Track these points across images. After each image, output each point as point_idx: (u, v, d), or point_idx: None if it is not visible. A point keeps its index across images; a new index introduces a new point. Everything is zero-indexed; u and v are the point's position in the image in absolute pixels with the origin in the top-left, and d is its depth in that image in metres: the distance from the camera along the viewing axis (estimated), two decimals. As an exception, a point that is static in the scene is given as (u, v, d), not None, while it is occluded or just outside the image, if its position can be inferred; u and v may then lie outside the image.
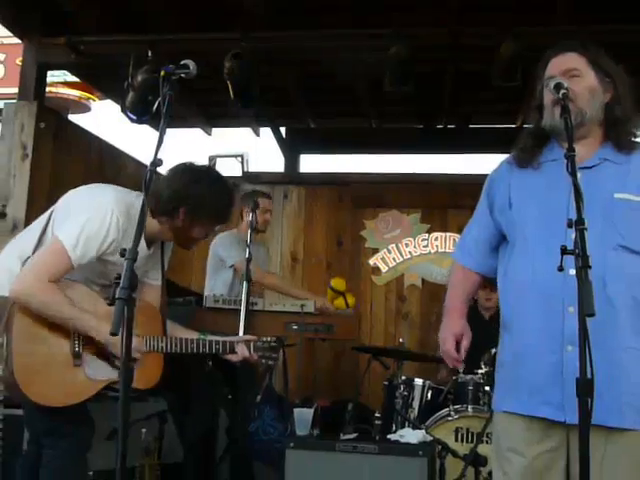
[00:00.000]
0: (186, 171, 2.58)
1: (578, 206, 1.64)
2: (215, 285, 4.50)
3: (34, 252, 2.52)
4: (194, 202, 2.54)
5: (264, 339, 2.84)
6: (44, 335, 2.44)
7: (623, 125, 1.99)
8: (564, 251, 1.64)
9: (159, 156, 1.84)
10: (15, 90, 5.14)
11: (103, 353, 2.54)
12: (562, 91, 1.83)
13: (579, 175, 1.84)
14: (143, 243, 2.51)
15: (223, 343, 2.74)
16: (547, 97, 2.02)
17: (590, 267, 1.56)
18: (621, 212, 1.89)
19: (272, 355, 2.83)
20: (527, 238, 2.00)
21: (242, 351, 2.75)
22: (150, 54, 4.52)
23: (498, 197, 2.12)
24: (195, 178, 2.57)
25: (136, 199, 2.54)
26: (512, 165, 2.11)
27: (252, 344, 2.79)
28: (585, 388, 1.56)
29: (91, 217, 2.46)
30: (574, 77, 1.97)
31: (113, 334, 1.61)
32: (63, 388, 2.46)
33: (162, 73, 1.96)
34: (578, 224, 1.61)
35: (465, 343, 2.22)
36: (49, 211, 2.64)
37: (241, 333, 3.28)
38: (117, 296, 1.64)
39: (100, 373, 2.53)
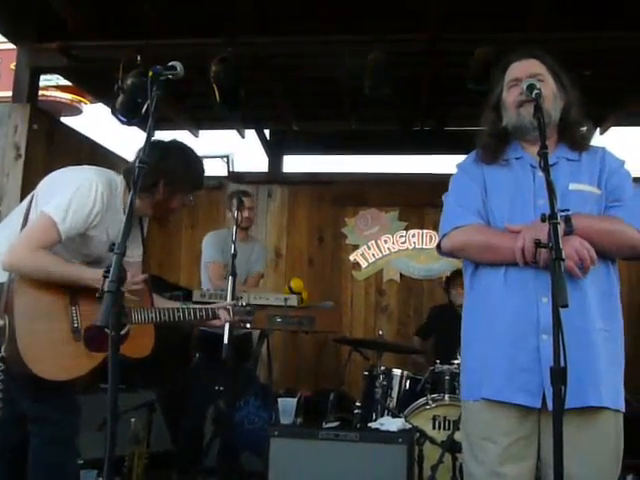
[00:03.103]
0: (156, 147, 2.57)
1: (551, 201, 1.63)
2: (205, 281, 4.48)
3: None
4: (171, 174, 2.59)
5: (241, 304, 3.01)
6: (44, 313, 2.42)
7: (576, 127, 2.07)
8: (538, 244, 1.63)
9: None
10: (9, 94, 5.08)
11: None
12: (535, 91, 1.83)
13: (540, 174, 1.91)
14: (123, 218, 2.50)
15: (206, 310, 2.84)
16: (510, 98, 2.05)
17: (563, 260, 1.54)
18: (575, 201, 1.93)
19: (248, 318, 3.01)
20: (500, 227, 1.99)
21: (224, 315, 2.87)
22: (139, 58, 4.47)
23: (478, 183, 2.08)
24: (166, 152, 2.60)
25: (115, 176, 2.62)
26: (478, 162, 2.10)
27: (231, 309, 2.90)
28: (559, 377, 1.54)
29: (77, 190, 2.46)
30: (539, 82, 1.99)
31: (99, 328, 1.57)
32: (67, 362, 2.44)
33: (150, 74, 1.92)
34: (551, 218, 1.60)
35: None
36: (29, 197, 2.61)
37: (227, 326, 3.25)
38: (106, 289, 1.60)
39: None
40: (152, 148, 2.51)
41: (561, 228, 1.64)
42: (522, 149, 2.07)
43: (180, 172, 2.61)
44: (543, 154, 1.70)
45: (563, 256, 1.55)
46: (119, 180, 2.62)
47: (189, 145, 2.78)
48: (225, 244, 4.38)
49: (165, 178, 2.58)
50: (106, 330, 1.62)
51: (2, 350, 2.32)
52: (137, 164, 1.81)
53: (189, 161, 2.68)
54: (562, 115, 2.05)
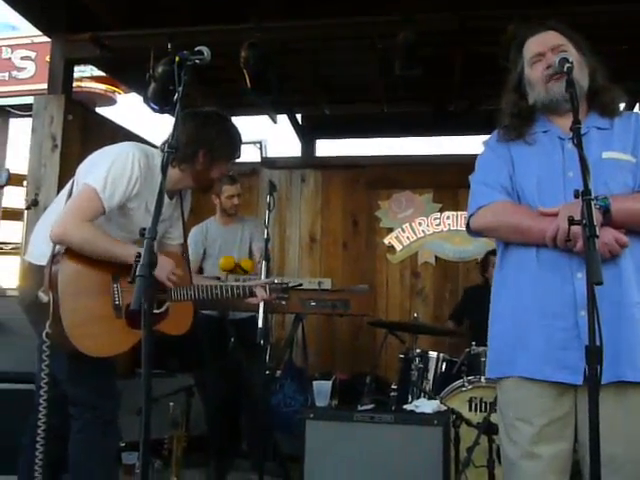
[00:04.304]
0: (195, 117, 2.62)
1: (585, 179, 1.58)
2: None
3: None
4: (210, 142, 2.61)
5: (277, 281, 3.02)
6: (87, 290, 2.45)
7: (606, 93, 2.00)
8: (572, 221, 1.60)
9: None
10: (45, 86, 5.15)
11: None
12: (567, 65, 1.77)
13: (569, 145, 1.89)
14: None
15: (243, 288, 2.85)
16: (536, 74, 2.00)
17: (597, 236, 1.51)
18: (609, 170, 1.88)
19: (284, 296, 3.00)
20: (528, 202, 1.96)
21: (261, 293, 2.88)
22: (170, 46, 4.49)
23: (504, 159, 2.04)
24: (204, 121, 2.63)
25: (152, 149, 2.63)
26: (502, 141, 2.06)
27: (268, 286, 2.91)
28: (594, 355, 1.51)
29: (115, 160, 2.49)
30: (562, 52, 1.94)
31: (134, 311, 1.59)
32: (109, 339, 2.47)
33: (177, 59, 1.92)
34: (585, 194, 1.56)
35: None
36: (70, 182, 2.65)
37: (261, 312, 3.27)
38: (137, 273, 1.61)
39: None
40: (190, 118, 2.58)
41: (596, 211, 1.60)
42: (550, 122, 2.02)
43: (219, 140, 2.63)
44: (576, 129, 1.66)
45: (597, 233, 1.51)
46: (156, 153, 2.62)
47: (225, 114, 2.81)
48: (206, 235, 4.53)
49: (205, 147, 2.61)
50: (144, 309, 1.63)
51: (47, 326, 2.35)
52: (166, 149, 1.81)
53: (227, 129, 2.71)
54: (589, 83, 2.00)
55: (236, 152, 2.75)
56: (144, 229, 1.69)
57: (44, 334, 2.35)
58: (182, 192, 2.80)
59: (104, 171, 2.45)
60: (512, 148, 2.03)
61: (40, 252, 2.47)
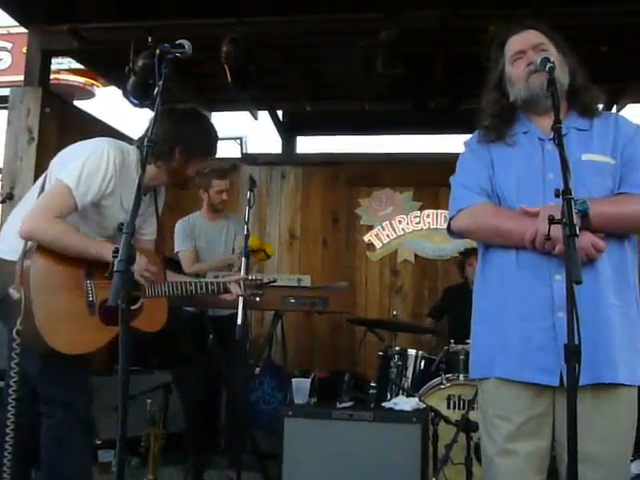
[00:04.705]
0: (171, 113, 2.59)
1: (565, 177, 1.59)
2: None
3: None
4: (187, 140, 2.60)
5: (252, 277, 3.02)
6: (60, 286, 2.41)
7: (586, 92, 2.00)
8: (552, 220, 1.61)
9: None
10: (21, 78, 5.07)
11: None
12: (549, 65, 1.78)
13: (549, 146, 1.90)
14: None
15: (217, 284, 2.83)
16: (517, 71, 2.00)
17: (577, 236, 1.52)
18: (589, 172, 1.88)
19: (259, 292, 3.00)
20: (508, 204, 1.96)
21: (235, 289, 2.85)
22: (150, 39, 4.45)
23: (484, 160, 2.04)
24: (181, 118, 2.62)
25: (127, 145, 2.60)
26: (482, 142, 2.06)
27: (242, 282, 2.89)
28: (573, 354, 1.51)
29: (89, 156, 2.46)
30: (543, 51, 1.94)
31: (111, 307, 1.57)
32: (83, 336, 2.44)
33: (157, 52, 1.90)
34: (565, 194, 1.57)
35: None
36: (43, 176, 2.61)
37: (240, 309, 3.26)
38: (115, 269, 1.59)
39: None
40: (167, 115, 2.54)
41: (577, 216, 1.60)
42: (530, 122, 2.03)
43: (196, 138, 2.63)
44: (557, 129, 1.66)
45: (577, 232, 1.52)
46: (131, 149, 2.60)
47: (202, 112, 2.80)
48: (193, 229, 4.48)
49: (181, 144, 2.59)
50: (121, 306, 1.61)
51: (18, 323, 2.31)
52: (145, 143, 1.79)
53: (204, 127, 2.71)
54: (569, 82, 1.99)
55: (212, 150, 2.75)
56: (122, 224, 1.66)
57: (14, 331, 2.31)
58: (156, 188, 2.78)
59: (78, 167, 2.42)
60: (492, 149, 2.03)
61: (11, 247, 2.42)
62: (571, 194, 1.57)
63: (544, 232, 1.72)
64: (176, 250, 4.47)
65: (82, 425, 2.52)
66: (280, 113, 6.98)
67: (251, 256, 4.54)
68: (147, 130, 2.60)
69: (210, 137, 2.72)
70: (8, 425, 2.37)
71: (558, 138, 1.64)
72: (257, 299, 3.04)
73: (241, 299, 3.28)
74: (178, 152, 2.60)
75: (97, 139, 2.59)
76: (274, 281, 3.83)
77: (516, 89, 2.01)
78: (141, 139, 2.60)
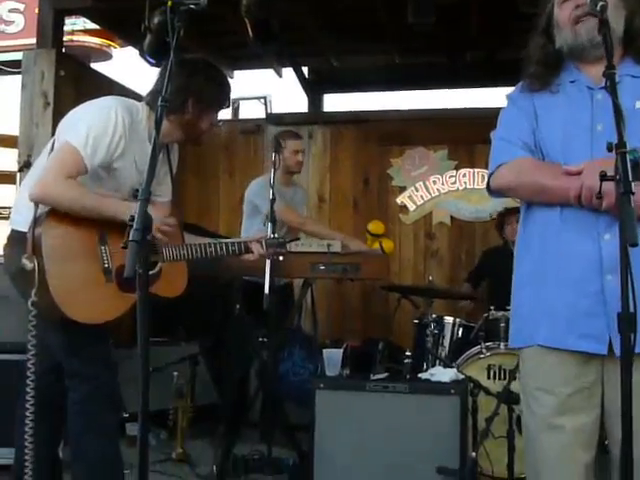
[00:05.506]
0: (182, 65, 2.54)
1: (619, 127, 1.50)
2: (249, 229, 4.45)
3: None
4: (199, 91, 2.58)
5: (273, 236, 3.06)
6: (74, 254, 2.40)
7: None
8: (603, 177, 1.52)
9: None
10: (35, 41, 5.04)
11: None
12: (601, 3, 1.66)
13: (599, 96, 1.82)
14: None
15: (238, 244, 2.82)
16: (564, 14, 1.90)
17: (633, 193, 1.43)
18: None
19: (282, 250, 3.03)
20: (552, 158, 1.88)
21: (257, 249, 2.84)
22: (166, -6, 4.37)
23: (527, 113, 1.96)
24: (192, 69, 2.60)
25: (135, 102, 2.60)
26: (525, 92, 1.98)
27: (264, 241, 2.89)
28: (628, 323, 1.44)
29: (96, 116, 2.44)
30: None
31: (128, 278, 1.53)
32: (101, 304, 2.44)
33: (169, 4, 1.82)
34: (619, 147, 1.47)
35: None
36: (51, 140, 2.59)
37: (267, 275, 3.24)
38: (130, 238, 1.55)
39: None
40: (178, 67, 2.49)
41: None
42: (578, 71, 1.94)
43: (209, 89, 2.62)
44: (609, 75, 1.56)
45: (633, 189, 1.43)
46: (140, 106, 2.58)
47: (213, 62, 2.81)
48: (277, 189, 4.31)
49: (194, 95, 2.57)
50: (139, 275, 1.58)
51: (33, 294, 2.30)
52: (159, 103, 1.74)
53: (217, 77, 2.70)
54: (625, 26, 1.89)
55: (226, 100, 2.74)
56: (137, 190, 1.62)
57: (30, 303, 2.31)
58: (169, 146, 2.75)
59: (84, 128, 2.40)
60: (536, 100, 1.95)
61: (24, 219, 2.41)
62: (625, 147, 1.47)
63: (594, 188, 1.63)
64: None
65: (107, 399, 2.53)
66: (305, 70, 6.87)
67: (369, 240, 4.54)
68: (156, 84, 2.59)
69: (223, 87, 2.71)
70: (28, 400, 2.38)
71: (611, 85, 1.54)
72: (280, 258, 3.04)
73: (268, 265, 3.26)
74: (191, 104, 2.58)
75: (104, 98, 2.57)
76: (297, 239, 3.80)
77: (563, 35, 1.91)
78: (151, 94, 2.57)
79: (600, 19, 1.65)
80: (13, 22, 8.71)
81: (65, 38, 5.32)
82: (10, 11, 8.71)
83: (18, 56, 5.78)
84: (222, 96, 2.71)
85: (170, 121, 2.56)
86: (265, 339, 3.73)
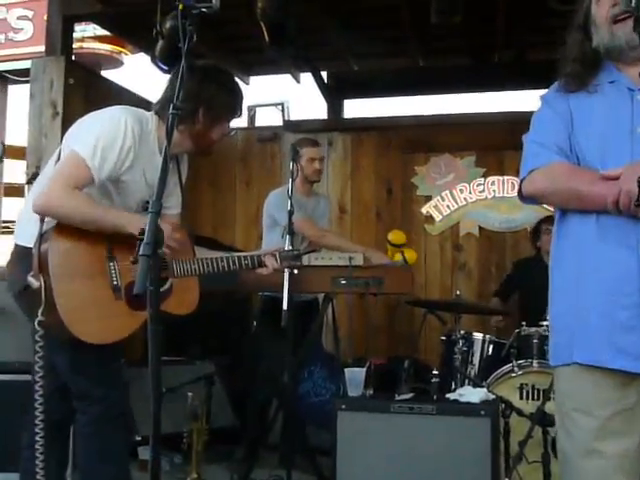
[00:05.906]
0: (192, 71, 2.53)
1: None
2: (270, 243, 4.45)
3: None
4: (210, 99, 2.57)
5: (288, 248, 3.02)
6: (81, 271, 2.41)
7: None
8: (642, 184, 1.50)
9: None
10: (44, 48, 5.11)
11: None
12: (635, 0, 1.65)
13: (638, 97, 1.81)
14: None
15: (252, 258, 2.82)
16: (601, 12, 1.89)
17: (676, 200, 1.41)
18: None
19: (296, 264, 3.02)
20: (589, 163, 1.87)
21: (271, 262, 2.84)
22: (177, -1, 4.41)
23: (562, 115, 1.95)
24: (203, 76, 2.57)
25: (144, 112, 2.59)
26: (561, 92, 1.97)
27: (278, 254, 2.88)
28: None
29: (105, 126, 2.45)
30: None
31: (138, 295, 1.53)
32: (111, 323, 2.44)
33: (180, 7, 1.84)
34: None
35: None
36: (57, 150, 2.61)
37: (286, 290, 3.23)
38: (141, 252, 1.56)
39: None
40: (187, 73, 2.51)
41: None
42: (617, 71, 1.93)
43: (220, 96, 2.60)
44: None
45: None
46: (149, 116, 2.59)
47: (225, 68, 2.79)
48: (296, 199, 4.22)
49: (205, 104, 2.56)
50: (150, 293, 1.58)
51: (39, 314, 2.31)
52: (171, 111, 1.74)
53: (228, 84, 2.68)
54: None
55: (238, 109, 2.72)
56: (147, 202, 1.63)
57: (36, 322, 2.31)
58: (178, 156, 2.74)
59: (92, 138, 2.41)
60: (572, 102, 1.94)
61: (29, 233, 2.42)
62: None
63: (633, 193, 1.61)
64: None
65: (117, 421, 2.54)
66: (324, 75, 6.90)
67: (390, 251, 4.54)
68: (165, 92, 2.60)
69: (235, 94, 2.69)
70: (37, 424, 2.39)
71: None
72: (295, 271, 3.06)
73: (286, 280, 3.26)
74: (202, 113, 2.57)
75: (114, 107, 2.57)
76: (314, 251, 3.78)
77: (600, 34, 1.91)
78: (160, 102, 2.58)
79: (636, 17, 1.64)
80: (22, 29, 8.82)
81: (75, 45, 5.40)
82: (19, 18, 8.82)
83: (27, 64, 5.86)
84: (234, 104, 2.69)
85: (180, 131, 2.55)
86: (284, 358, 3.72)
